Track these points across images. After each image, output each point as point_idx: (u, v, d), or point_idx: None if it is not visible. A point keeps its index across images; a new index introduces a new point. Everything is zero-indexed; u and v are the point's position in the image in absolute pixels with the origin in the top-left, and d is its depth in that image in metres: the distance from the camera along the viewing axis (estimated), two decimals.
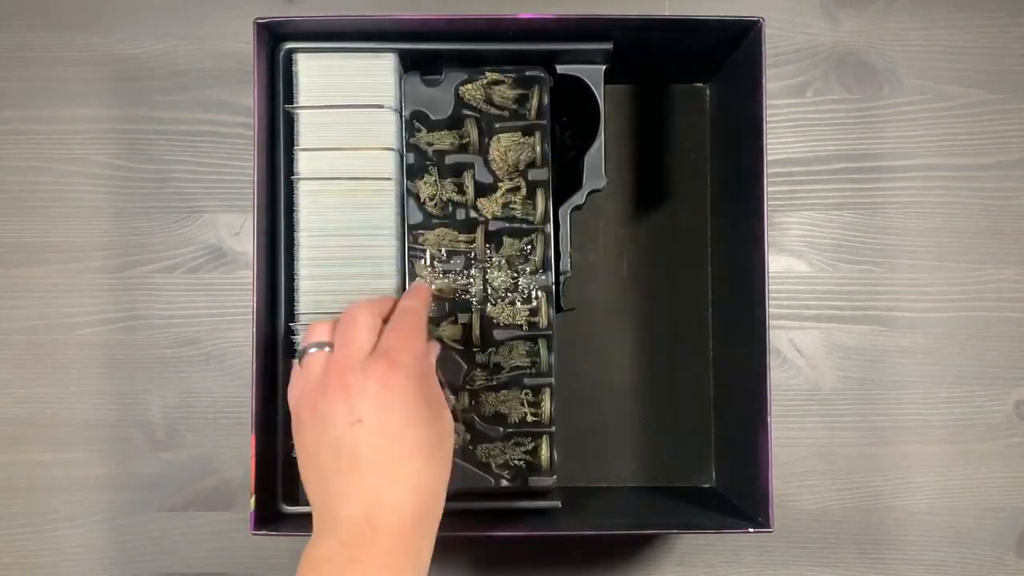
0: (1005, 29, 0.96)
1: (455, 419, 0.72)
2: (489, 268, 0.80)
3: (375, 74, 0.79)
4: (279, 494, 0.78)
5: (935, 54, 0.95)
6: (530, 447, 0.79)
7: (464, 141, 0.80)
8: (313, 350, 0.66)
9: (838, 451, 0.93)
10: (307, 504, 0.77)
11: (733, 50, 0.83)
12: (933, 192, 0.95)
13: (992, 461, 0.93)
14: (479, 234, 0.79)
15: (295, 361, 0.68)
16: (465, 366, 0.79)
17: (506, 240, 0.80)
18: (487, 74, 0.80)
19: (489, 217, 0.80)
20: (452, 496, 0.79)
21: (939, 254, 0.95)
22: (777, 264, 0.94)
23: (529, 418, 0.79)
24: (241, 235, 0.93)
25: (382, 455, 0.61)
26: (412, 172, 0.80)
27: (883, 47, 0.95)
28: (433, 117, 0.80)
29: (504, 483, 0.79)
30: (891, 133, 0.95)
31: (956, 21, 0.96)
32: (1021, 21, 0.96)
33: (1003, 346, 0.94)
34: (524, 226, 0.80)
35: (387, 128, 0.79)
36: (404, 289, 0.79)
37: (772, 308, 0.81)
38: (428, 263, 0.79)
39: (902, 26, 0.95)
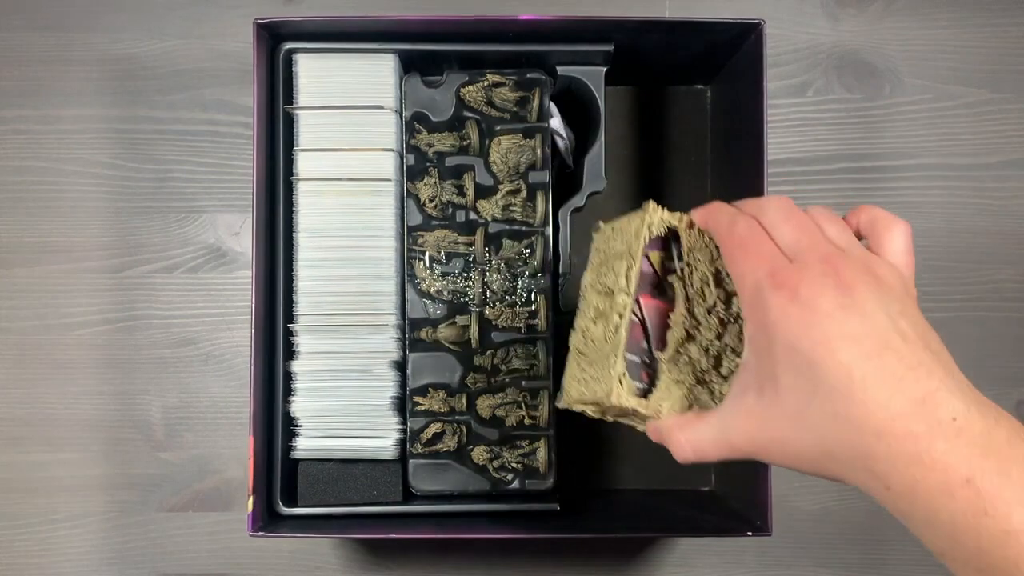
0: (1005, 29, 0.96)
1: None
2: (488, 270, 0.80)
3: (375, 75, 0.79)
4: (277, 495, 0.78)
5: (935, 54, 0.95)
6: (528, 450, 0.79)
7: (464, 143, 0.80)
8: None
9: None
10: (306, 506, 0.78)
11: (734, 52, 0.83)
12: (933, 192, 0.95)
13: None
14: (479, 236, 0.79)
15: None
16: (463, 368, 0.79)
17: (506, 242, 0.80)
18: (488, 76, 0.80)
19: (489, 219, 0.80)
20: (449, 498, 0.79)
21: (939, 254, 0.94)
22: None
23: (527, 421, 0.79)
24: (241, 235, 0.93)
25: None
26: (412, 173, 0.80)
27: (883, 47, 0.95)
28: (433, 118, 0.80)
29: (502, 485, 0.79)
30: (891, 133, 0.95)
31: (956, 21, 0.96)
32: (1021, 21, 0.96)
33: (1003, 346, 0.94)
34: (524, 228, 0.80)
35: (387, 129, 0.79)
36: (403, 290, 0.79)
37: None
38: (427, 265, 0.79)
39: (902, 26, 0.95)
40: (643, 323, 0.63)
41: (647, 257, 0.63)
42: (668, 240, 0.63)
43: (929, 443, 0.48)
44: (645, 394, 0.61)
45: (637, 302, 0.63)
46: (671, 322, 0.63)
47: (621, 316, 0.61)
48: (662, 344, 0.63)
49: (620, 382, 0.60)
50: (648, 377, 0.63)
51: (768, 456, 0.54)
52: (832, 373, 0.50)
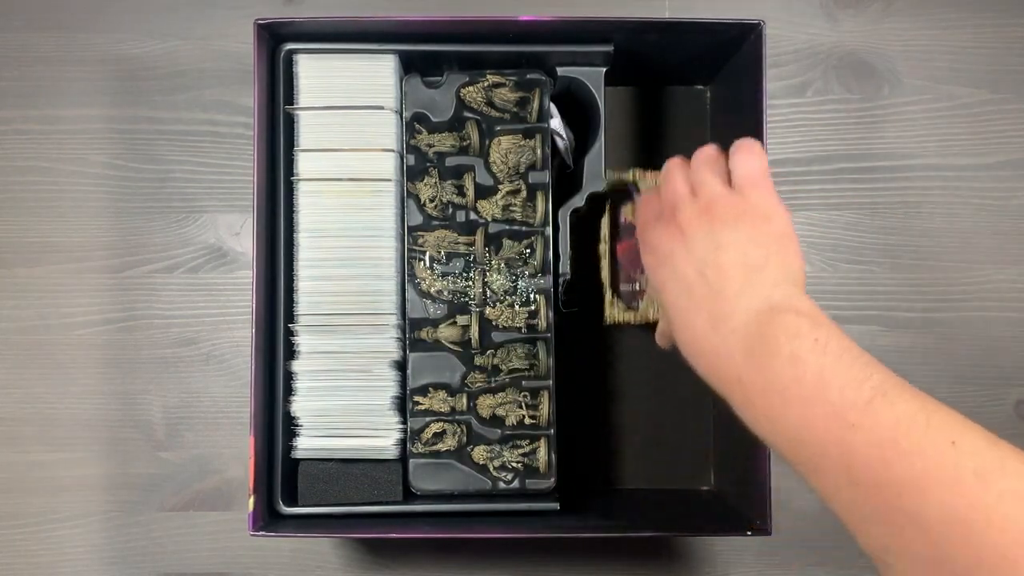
0: (1005, 29, 0.96)
1: None
2: (488, 270, 0.80)
3: (375, 75, 0.80)
4: (278, 494, 0.78)
5: (935, 54, 0.95)
6: (528, 449, 0.79)
7: (465, 143, 0.80)
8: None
9: None
10: (306, 505, 0.78)
11: (734, 52, 0.83)
12: (932, 192, 0.95)
13: None
14: (479, 236, 0.79)
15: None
16: (463, 368, 0.79)
17: (506, 242, 0.80)
18: (488, 76, 0.80)
19: (489, 219, 0.80)
20: (450, 497, 0.80)
21: (939, 254, 0.95)
22: None
23: (527, 420, 0.79)
24: (241, 235, 0.93)
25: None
26: (412, 174, 0.80)
27: (883, 47, 0.95)
28: (434, 119, 0.80)
29: (502, 485, 0.79)
30: (891, 133, 0.95)
31: (956, 21, 0.96)
32: (1021, 21, 0.96)
33: (1003, 346, 0.94)
34: (524, 228, 0.80)
35: (387, 129, 0.80)
36: (403, 290, 0.79)
37: None
38: (427, 265, 0.79)
39: (902, 26, 0.95)
40: (624, 262, 0.86)
41: (621, 210, 0.85)
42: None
43: (717, 357, 0.60)
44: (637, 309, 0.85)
45: (615, 248, 0.86)
46: None
47: (602, 258, 0.85)
48: (642, 272, 0.84)
49: (612, 305, 0.85)
50: (640, 297, 0.85)
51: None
52: (668, 307, 0.65)
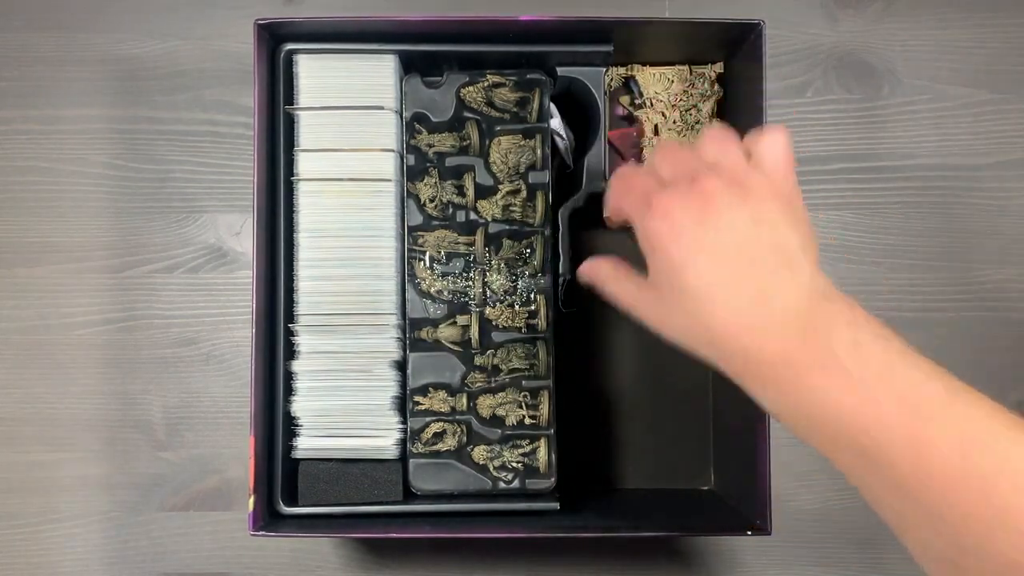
0: (1005, 29, 0.96)
1: None
2: (488, 270, 0.80)
3: (375, 75, 0.80)
4: (278, 494, 0.78)
5: (935, 54, 0.95)
6: (528, 449, 0.79)
7: (465, 143, 0.80)
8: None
9: None
10: (306, 505, 0.78)
11: (734, 53, 0.83)
12: (932, 192, 0.95)
13: None
14: (479, 236, 0.79)
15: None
16: (463, 368, 0.79)
17: (506, 242, 0.80)
18: (488, 76, 0.80)
19: (489, 219, 0.80)
20: (450, 497, 0.80)
21: (939, 254, 0.94)
22: None
23: (527, 420, 0.79)
24: (241, 235, 0.93)
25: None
26: (412, 174, 0.80)
27: (883, 47, 0.95)
28: (434, 119, 0.80)
29: (502, 485, 0.79)
30: (891, 133, 0.95)
31: (956, 21, 0.96)
32: (1021, 21, 0.96)
33: (1003, 346, 0.94)
34: (524, 228, 0.80)
35: (387, 129, 0.79)
36: (403, 290, 0.79)
37: None
38: (427, 265, 0.79)
39: (902, 26, 0.95)
40: (620, 150, 0.86)
41: (619, 102, 0.88)
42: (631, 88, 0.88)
43: (763, 334, 0.56)
44: None
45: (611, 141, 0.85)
46: (644, 134, 0.87)
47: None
48: (634, 159, 0.86)
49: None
50: None
51: (664, 334, 0.62)
52: (691, 281, 0.59)
